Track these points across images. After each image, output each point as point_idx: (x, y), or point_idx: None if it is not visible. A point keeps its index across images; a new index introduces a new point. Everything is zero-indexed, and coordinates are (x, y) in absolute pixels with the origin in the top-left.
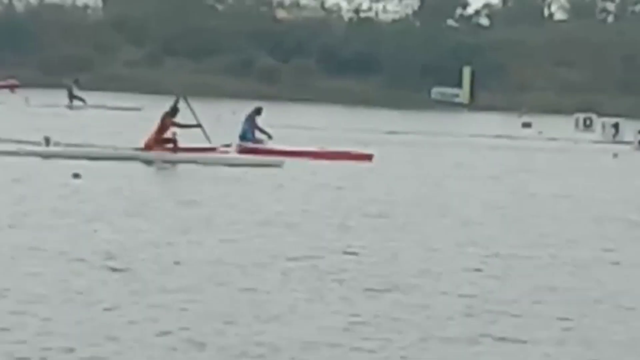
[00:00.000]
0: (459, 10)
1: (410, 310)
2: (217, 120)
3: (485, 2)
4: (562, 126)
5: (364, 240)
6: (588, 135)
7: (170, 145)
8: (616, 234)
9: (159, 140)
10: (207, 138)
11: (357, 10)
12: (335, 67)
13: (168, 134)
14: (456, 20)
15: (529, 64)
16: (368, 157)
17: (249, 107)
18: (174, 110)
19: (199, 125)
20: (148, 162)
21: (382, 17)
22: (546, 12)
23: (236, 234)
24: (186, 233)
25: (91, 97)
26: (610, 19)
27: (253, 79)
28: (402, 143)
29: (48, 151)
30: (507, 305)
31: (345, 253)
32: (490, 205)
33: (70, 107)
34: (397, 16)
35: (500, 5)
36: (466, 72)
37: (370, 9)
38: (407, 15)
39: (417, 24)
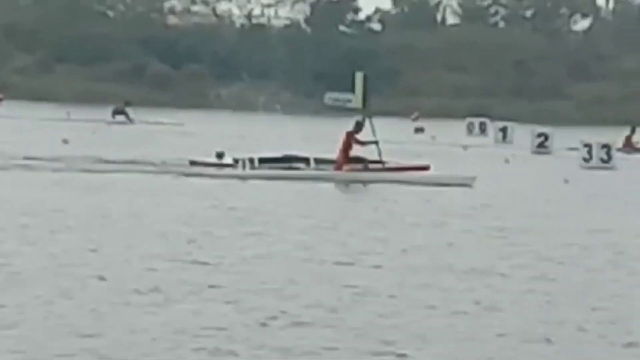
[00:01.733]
0: (350, 16)
1: None
2: (108, 125)
3: (376, 7)
4: (455, 131)
5: None
6: (482, 140)
7: (359, 164)
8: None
9: (347, 159)
10: (380, 155)
11: (249, 16)
12: (227, 73)
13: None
14: (348, 26)
15: (421, 69)
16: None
17: (140, 113)
18: (358, 127)
19: (376, 142)
20: (341, 183)
21: (274, 22)
22: (439, 17)
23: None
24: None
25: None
26: (501, 23)
27: (145, 86)
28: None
29: (244, 174)
30: None
31: None
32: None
33: (111, 122)
34: (288, 22)
35: (392, 10)
36: (359, 77)
37: (262, 15)
38: (298, 21)
39: (309, 29)
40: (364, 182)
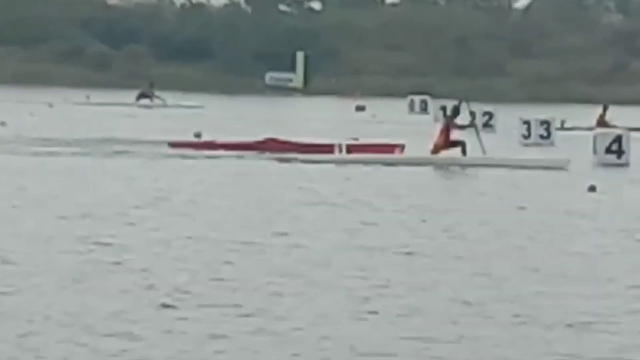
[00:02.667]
0: None
1: None
2: (50, 107)
3: None
4: (396, 109)
5: None
6: (423, 118)
7: (459, 148)
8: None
9: (448, 144)
10: (479, 138)
11: None
12: (167, 54)
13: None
14: (288, 5)
15: (362, 48)
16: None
17: (79, 94)
18: (455, 112)
19: (474, 126)
20: (440, 167)
21: (214, 2)
22: None
23: None
24: None
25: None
26: (442, 1)
27: (84, 66)
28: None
29: (343, 158)
30: None
31: None
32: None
33: (137, 105)
34: (228, 1)
35: None
36: (299, 56)
37: None
38: (238, 1)
39: (249, 9)
40: (462, 166)
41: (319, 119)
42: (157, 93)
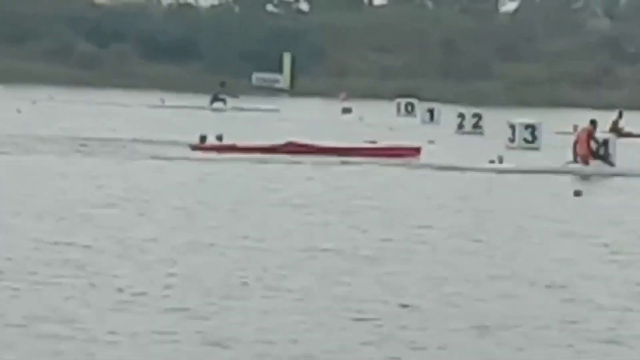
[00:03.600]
0: None
1: None
2: (33, 104)
3: None
4: (383, 111)
5: None
6: (409, 120)
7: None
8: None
9: (591, 153)
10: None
11: None
12: (154, 53)
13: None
14: (275, 6)
15: (349, 49)
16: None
17: (66, 92)
18: (594, 124)
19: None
20: (585, 176)
21: (202, 3)
22: None
23: None
24: None
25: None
26: (429, 4)
27: (72, 65)
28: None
29: (500, 168)
30: None
31: None
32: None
33: (211, 108)
34: (216, 2)
35: None
36: (286, 57)
37: None
38: (226, 1)
39: (236, 9)
40: (610, 176)
41: (307, 120)
42: (223, 95)
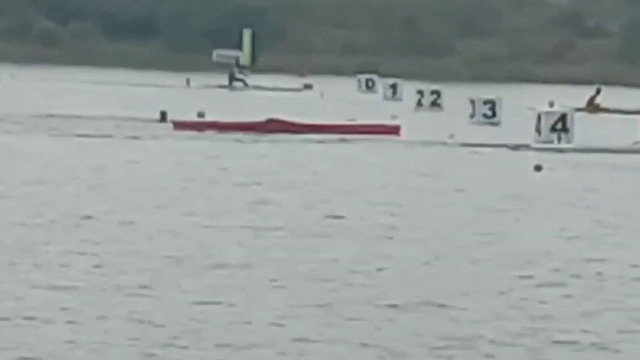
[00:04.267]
0: None
1: None
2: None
3: None
4: (344, 88)
5: None
6: (370, 97)
7: None
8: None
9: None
10: None
11: None
12: (115, 31)
13: None
14: None
15: (309, 26)
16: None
17: (27, 70)
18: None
19: None
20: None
21: None
22: None
23: None
24: None
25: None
26: None
27: (32, 43)
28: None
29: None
30: None
31: None
32: None
33: (231, 88)
34: None
35: None
36: (246, 34)
37: None
38: None
39: None
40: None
41: (268, 97)
42: (239, 74)
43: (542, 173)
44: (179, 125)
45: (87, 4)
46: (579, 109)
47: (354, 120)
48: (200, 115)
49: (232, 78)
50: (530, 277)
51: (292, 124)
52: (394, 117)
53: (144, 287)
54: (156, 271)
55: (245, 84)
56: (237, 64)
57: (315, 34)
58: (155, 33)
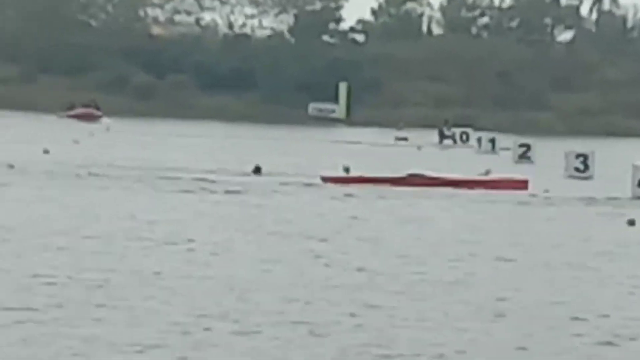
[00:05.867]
0: (333, 26)
1: None
2: (90, 136)
3: (359, 17)
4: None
5: None
6: (465, 150)
7: None
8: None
9: None
10: None
11: (231, 26)
12: (210, 84)
13: None
14: (331, 36)
15: (404, 79)
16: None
17: (123, 123)
18: None
19: None
20: None
21: (257, 33)
22: (423, 28)
23: None
24: None
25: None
26: (485, 34)
27: (128, 96)
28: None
29: None
30: None
31: None
32: None
33: (441, 147)
34: (272, 32)
35: (375, 20)
36: (342, 87)
37: (244, 25)
38: (282, 31)
39: (292, 40)
40: None
41: (363, 151)
42: (448, 132)
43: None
44: (328, 180)
45: (183, 58)
46: None
47: (487, 173)
48: (346, 170)
49: (442, 135)
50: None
51: (430, 178)
52: (487, 171)
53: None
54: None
55: (454, 141)
56: (447, 124)
57: (410, 87)
58: (251, 86)
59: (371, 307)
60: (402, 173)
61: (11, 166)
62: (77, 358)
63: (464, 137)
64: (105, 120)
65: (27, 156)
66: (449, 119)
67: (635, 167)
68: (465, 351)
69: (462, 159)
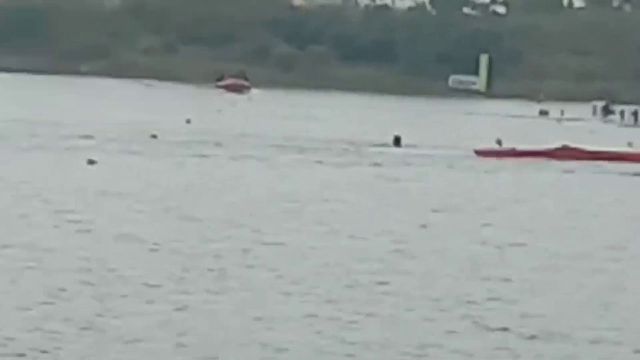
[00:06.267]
0: None
1: None
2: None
3: None
4: (579, 113)
5: None
6: (606, 123)
7: None
8: None
9: None
10: None
11: None
12: (351, 55)
13: None
14: (472, 8)
15: (545, 52)
16: None
17: (265, 94)
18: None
19: None
20: None
21: (398, 4)
22: (565, 0)
23: None
24: None
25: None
26: (627, 7)
27: (269, 67)
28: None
29: None
30: None
31: None
32: None
33: (604, 121)
34: (413, 4)
35: None
36: (483, 59)
37: None
38: (423, 3)
39: (433, 12)
40: None
41: (505, 123)
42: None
43: None
44: (481, 153)
45: (324, 29)
46: None
47: (630, 144)
48: (498, 142)
49: (606, 111)
50: None
51: (584, 152)
52: (629, 144)
53: None
54: None
55: (622, 118)
56: (611, 99)
57: (551, 60)
58: (391, 57)
59: None
60: (555, 145)
61: (154, 136)
62: None
63: (606, 110)
64: (254, 91)
65: (170, 126)
66: (605, 96)
67: None
68: None
69: (605, 133)
